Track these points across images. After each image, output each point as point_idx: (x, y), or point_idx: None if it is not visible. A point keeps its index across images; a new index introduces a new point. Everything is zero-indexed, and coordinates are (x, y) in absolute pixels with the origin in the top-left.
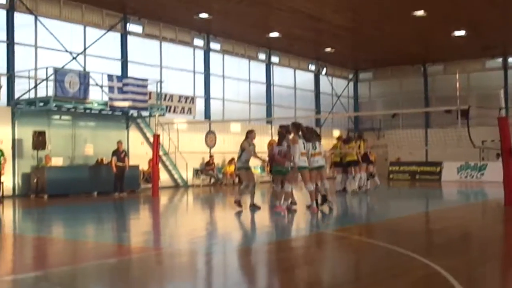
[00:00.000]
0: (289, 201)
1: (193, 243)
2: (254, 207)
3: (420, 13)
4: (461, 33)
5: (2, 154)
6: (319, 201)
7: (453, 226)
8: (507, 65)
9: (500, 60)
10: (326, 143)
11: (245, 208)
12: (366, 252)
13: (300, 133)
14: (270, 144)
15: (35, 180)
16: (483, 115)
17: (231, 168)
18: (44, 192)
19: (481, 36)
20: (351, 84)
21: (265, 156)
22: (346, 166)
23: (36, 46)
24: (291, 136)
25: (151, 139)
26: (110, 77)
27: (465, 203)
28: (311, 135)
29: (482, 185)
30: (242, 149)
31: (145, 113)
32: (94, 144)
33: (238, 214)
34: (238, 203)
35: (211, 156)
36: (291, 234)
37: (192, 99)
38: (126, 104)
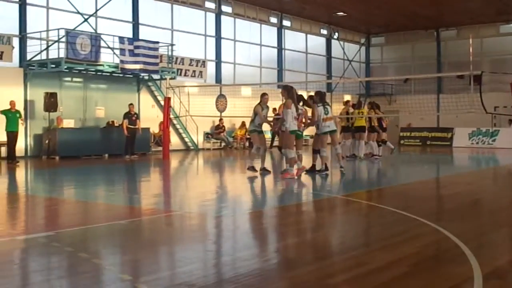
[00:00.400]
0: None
1: (203, 206)
2: (264, 171)
3: None
4: None
5: (20, 116)
6: (317, 168)
7: (463, 192)
8: None
9: None
10: (337, 109)
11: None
12: (376, 217)
13: (318, 99)
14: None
15: (46, 142)
16: (496, 80)
17: (242, 132)
18: (55, 153)
19: (495, 0)
20: (363, 48)
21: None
22: (355, 132)
23: (48, 7)
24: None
25: (162, 102)
26: (121, 40)
27: (476, 169)
28: (323, 98)
29: (493, 151)
30: (255, 113)
31: (156, 76)
32: (105, 106)
33: (251, 178)
34: (252, 169)
35: (220, 120)
36: (302, 199)
37: (203, 63)
38: (137, 66)
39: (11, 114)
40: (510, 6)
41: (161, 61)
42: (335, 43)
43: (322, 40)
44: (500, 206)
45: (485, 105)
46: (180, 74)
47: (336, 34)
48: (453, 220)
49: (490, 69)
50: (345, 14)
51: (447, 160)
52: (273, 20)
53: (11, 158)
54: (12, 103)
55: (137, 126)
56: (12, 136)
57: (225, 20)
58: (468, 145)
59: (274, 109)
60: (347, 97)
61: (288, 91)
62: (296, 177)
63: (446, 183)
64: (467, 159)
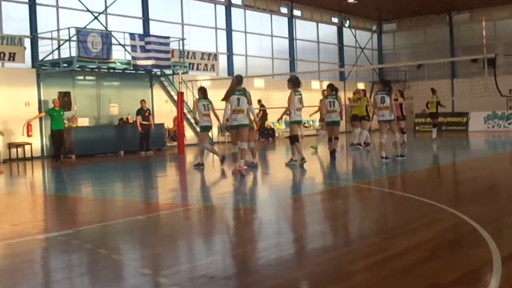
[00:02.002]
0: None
1: (220, 199)
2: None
3: None
4: None
5: (64, 113)
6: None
7: (480, 177)
8: None
9: None
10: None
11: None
12: (394, 204)
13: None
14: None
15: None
16: (511, 63)
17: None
18: (71, 152)
19: None
20: (375, 36)
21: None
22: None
23: (57, 7)
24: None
25: (175, 97)
26: (132, 36)
27: (493, 153)
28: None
29: (510, 135)
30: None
31: (168, 71)
32: (119, 103)
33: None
34: (250, 165)
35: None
36: (318, 188)
37: (215, 56)
38: (149, 62)
39: (56, 113)
40: None
41: (172, 56)
42: (346, 31)
43: (334, 29)
44: None
45: (500, 88)
46: (192, 68)
47: (348, 22)
48: (470, 204)
49: (504, 51)
50: (356, 1)
51: (463, 145)
52: (284, 10)
53: (57, 157)
54: (55, 102)
55: (150, 122)
56: (57, 135)
57: (235, 12)
58: (484, 129)
59: (259, 101)
60: (361, 85)
61: (293, 82)
62: (243, 172)
63: (462, 168)
64: (483, 143)
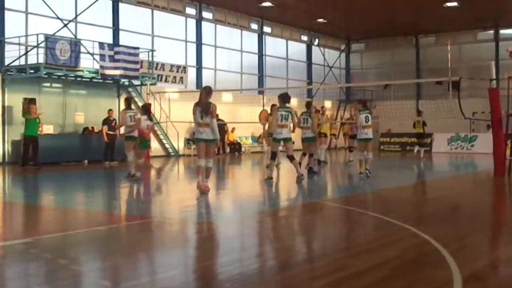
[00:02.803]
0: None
1: (183, 212)
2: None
3: None
4: (453, 4)
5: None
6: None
7: (443, 197)
8: (499, 37)
9: (491, 32)
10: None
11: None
12: (357, 222)
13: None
14: (263, 114)
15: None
16: (474, 86)
17: (231, 136)
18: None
19: (473, 7)
20: (343, 55)
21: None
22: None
23: (27, 12)
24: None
25: None
26: (101, 45)
27: (455, 174)
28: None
29: (472, 156)
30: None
31: (136, 82)
32: (85, 112)
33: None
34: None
35: None
36: (281, 204)
37: (184, 69)
38: (117, 72)
39: (32, 119)
40: (487, 14)
41: (141, 67)
42: (315, 49)
43: (303, 46)
44: (478, 210)
45: (464, 111)
46: (161, 80)
47: (317, 40)
48: (432, 224)
49: (468, 75)
50: (325, 21)
51: (426, 166)
52: (254, 26)
53: (24, 163)
54: (32, 108)
55: (116, 132)
56: (31, 141)
57: (206, 26)
58: (447, 150)
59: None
60: (328, 103)
61: (280, 97)
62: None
63: (425, 188)
64: (446, 164)
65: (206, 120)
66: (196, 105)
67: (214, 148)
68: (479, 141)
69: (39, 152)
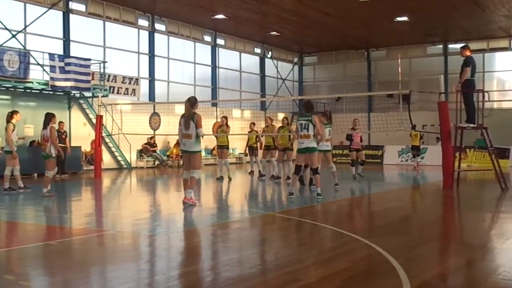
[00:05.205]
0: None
1: (135, 225)
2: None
3: None
4: (403, 18)
5: None
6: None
7: (393, 208)
8: (447, 52)
9: (440, 46)
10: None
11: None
12: (309, 234)
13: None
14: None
15: None
16: (424, 100)
17: (177, 150)
18: None
19: (422, 22)
20: (296, 67)
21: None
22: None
23: None
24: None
25: (94, 120)
26: (51, 56)
27: (406, 186)
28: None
29: (422, 168)
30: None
31: (87, 94)
32: (35, 124)
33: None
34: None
35: (152, 137)
36: (235, 216)
37: (136, 80)
38: (68, 84)
39: None
40: (436, 28)
41: (93, 79)
42: (268, 62)
43: (256, 59)
44: (427, 221)
45: (414, 123)
46: (113, 92)
47: (270, 53)
48: (383, 235)
49: (418, 88)
50: (278, 34)
51: (377, 177)
52: (207, 38)
53: None
54: None
55: (66, 145)
56: None
57: (159, 38)
58: (398, 162)
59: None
60: (281, 115)
61: (304, 106)
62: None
63: (376, 199)
64: (397, 176)
65: (188, 131)
66: (182, 116)
67: (197, 159)
68: (429, 154)
69: None
